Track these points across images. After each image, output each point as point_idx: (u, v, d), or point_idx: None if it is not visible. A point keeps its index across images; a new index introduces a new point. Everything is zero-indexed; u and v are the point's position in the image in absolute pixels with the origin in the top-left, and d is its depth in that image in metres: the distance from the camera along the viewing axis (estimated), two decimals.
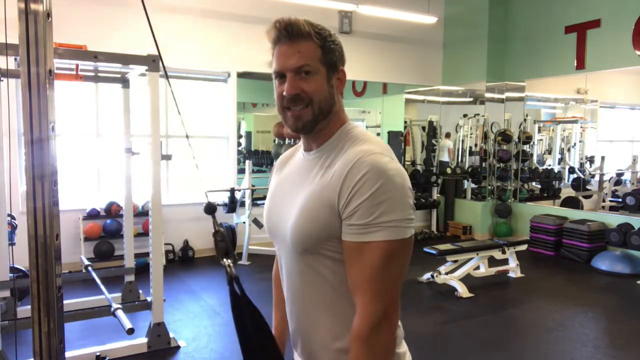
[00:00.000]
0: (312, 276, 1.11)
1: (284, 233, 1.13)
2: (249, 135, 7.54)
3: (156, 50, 1.03)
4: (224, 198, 6.04)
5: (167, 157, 3.64)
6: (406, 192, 1.03)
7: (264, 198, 1.32)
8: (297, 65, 1.07)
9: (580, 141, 7.83)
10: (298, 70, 1.07)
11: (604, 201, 7.29)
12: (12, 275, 3.72)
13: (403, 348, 1.17)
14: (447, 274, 4.98)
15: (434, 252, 4.87)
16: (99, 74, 4.16)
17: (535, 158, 8.04)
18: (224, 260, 1.19)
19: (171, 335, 3.59)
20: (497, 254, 5.22)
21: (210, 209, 1.26)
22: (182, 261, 5.98)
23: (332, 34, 1.13)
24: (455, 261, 5.00)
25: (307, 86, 1.08)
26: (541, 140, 8.27)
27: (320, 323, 1.13)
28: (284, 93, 1.08)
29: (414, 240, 1.06)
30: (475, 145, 7.88)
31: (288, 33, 1.07)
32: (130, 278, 4.38)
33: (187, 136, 1.11)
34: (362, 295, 1.02)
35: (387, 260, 1.00)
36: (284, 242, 1.15)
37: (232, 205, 5.96)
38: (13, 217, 4.14)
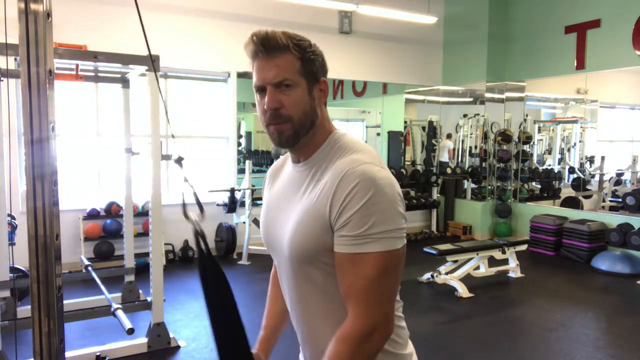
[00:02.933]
0: (310, 287, 1.12)
1: (282, 247, 1.13)
2: (249, 135, 7.53)
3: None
4: (224, 198, 6.04)
5: (167, 157, 3.64)
6: (397, 201, 1.03)
7: None
8: (276, 80, 1.06)
9: (580, 141, 7.83)
10: (278, 84, 1.06)
11: (604, 201, 7.29)
12: (12, 275, 3.72)
13: (409, 349, 1.18)
14: (447, 274, 4.98)
15: (434, 252, 4.87)
16: (99, 74, 4.16)
17: (535, 158, 8.04)
18: (191, 214, 1.16)
19: (171, 335, 3.59)
20: (497, 254, 5.22)
21: (179, 159, 1.24)
22: (182, 261, 5.98)
23: (312, 44, 1.11)
24: (455, 261, 5.00)
25: (287, 100, 1.06)
26: (541, 140, 8.27)
27: (323, 332, 1.13)
28: (265, 107, 1.08)
29: (406, 250, 1.06)
30: (476, 147, 7.88)
31: (265, 47, 1.06)
32: (130, 278, 4.38)
33: (172, 136, 1.10)
34: (356, 305, 1.01)
35: (380, 272, 1.00)
36: (282, 256, 1.15)
37: (232, 205, 5.96)
38: (13, 217, 4.14)
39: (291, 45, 1.07)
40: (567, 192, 7.52)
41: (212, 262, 1.11)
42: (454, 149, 8.24)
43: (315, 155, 1.13)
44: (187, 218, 1.15)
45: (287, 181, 1.19)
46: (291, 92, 1.07)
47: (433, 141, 8.17)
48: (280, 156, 1.33)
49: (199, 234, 1.12)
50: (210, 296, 1.13)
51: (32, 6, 0.88)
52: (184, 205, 1.18)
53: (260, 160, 7.36)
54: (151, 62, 3.32)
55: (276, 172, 1.27)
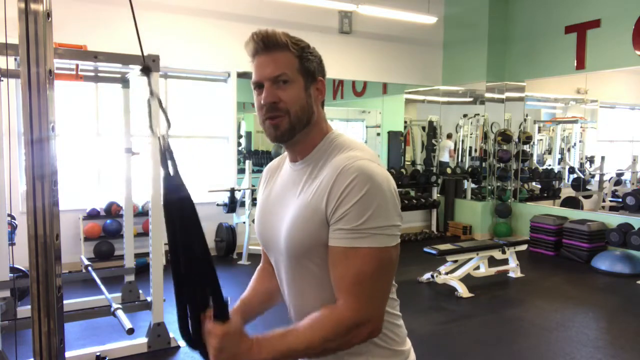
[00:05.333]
0: (308, 280, 1.13)
1: (278, 243, 1.14)
2: (249, 135, 7.53)
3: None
4: (224, 198, 6.04)
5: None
6: (393, 198, 1.04)
7: None
8: (274, 75, 1.08)
9: (580, 141, 7.83)
10: (275, 80, 1.08)
11: (604, 201, 7.29)
12: (12, 275, 3.72)
13: (407, 345, 1.19)
14: (447, 274, 4.98)
15: (434, 252, 4.87)
16: (99, 74, 4.16)
17: (535, 158, 8.04)
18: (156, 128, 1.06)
19: (171, 335, 3.59)
20: (497, 254, 5.22)
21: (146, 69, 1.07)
22: None
23: (309, 45, 1.14)
24: (455, 261, 5.00)
25: (284, 95, 1.08)
26: (541, 140, 8.27)
27: None
28: (262, 102, 1.09)
29: (404, 250, 1.07)
30: (476, 150, 7.88)
31: (265, 44, 1.08)
32: (130, 278, 4.38)
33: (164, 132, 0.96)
34: (347, 297, 1.02)
35: (373, 268, 1.01)
36: (279, 252, 1.16)
37: (232, 205, 5.96)
38: (13, 217, 4.14)
39: (290, 43, 1.09)
40: (567, 192, 7.52)
41: (179, 184, 1.01)
42: (454, 149, 8.25)
43: (312, 153, 1.14)
44: (151, 130, 1.10)
45: (284, 180, 1.20)
46: (288, 88, 1.08)
47: (433, 141, 8.17)
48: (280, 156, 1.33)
49: (166, 150, 1.02)
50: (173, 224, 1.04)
51: (32, 6, 0.88)
52: (150, 114, 1.10)
53: (260, 160, 7.37)
54: (153, 61, 3.32)
55: (273, 172, 1.28)
